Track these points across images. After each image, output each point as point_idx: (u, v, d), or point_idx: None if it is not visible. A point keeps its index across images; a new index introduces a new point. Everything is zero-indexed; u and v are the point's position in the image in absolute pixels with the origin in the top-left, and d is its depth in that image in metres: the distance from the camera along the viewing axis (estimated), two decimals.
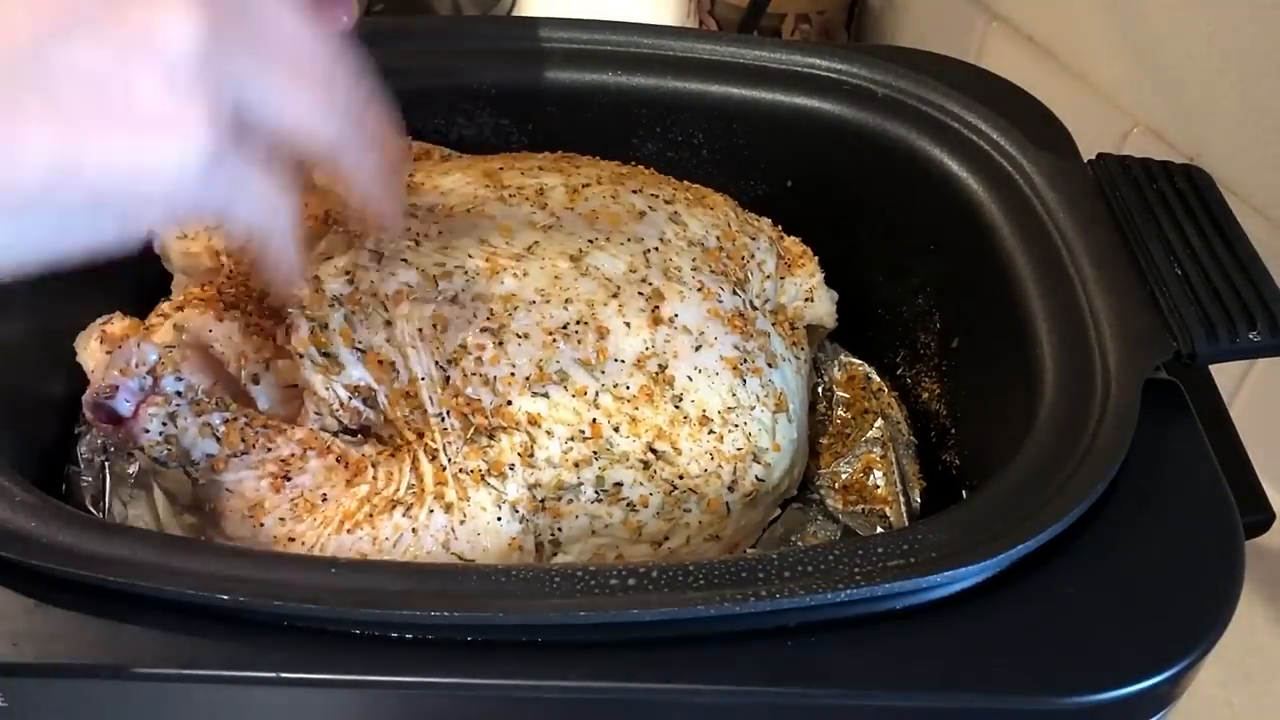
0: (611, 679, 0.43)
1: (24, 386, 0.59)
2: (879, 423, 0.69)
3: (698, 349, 0.57)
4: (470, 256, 0.58)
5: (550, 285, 0.57)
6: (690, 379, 0.57)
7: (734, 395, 0.57)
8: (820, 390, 0.72)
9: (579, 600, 0.43)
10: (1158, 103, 0.83)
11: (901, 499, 0.65)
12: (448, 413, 0.55)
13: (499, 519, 0.54)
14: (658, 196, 0.64)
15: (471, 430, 0.55)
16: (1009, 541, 0.46)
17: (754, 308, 0.63)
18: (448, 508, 0.53)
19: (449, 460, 0.54)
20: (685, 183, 0.69)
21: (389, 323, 0.56)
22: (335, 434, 0.56)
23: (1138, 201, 0.60)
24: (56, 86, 0.33)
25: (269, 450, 0.54)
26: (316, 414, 0.56)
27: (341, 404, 0.55)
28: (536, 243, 0.59)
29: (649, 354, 0.57)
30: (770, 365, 0.60)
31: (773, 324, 0.63)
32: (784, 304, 0.67)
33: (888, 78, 0.69)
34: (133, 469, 0.62)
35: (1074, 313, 0.56)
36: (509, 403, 0.54)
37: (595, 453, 0.55)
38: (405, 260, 0.57)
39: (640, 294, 0.58)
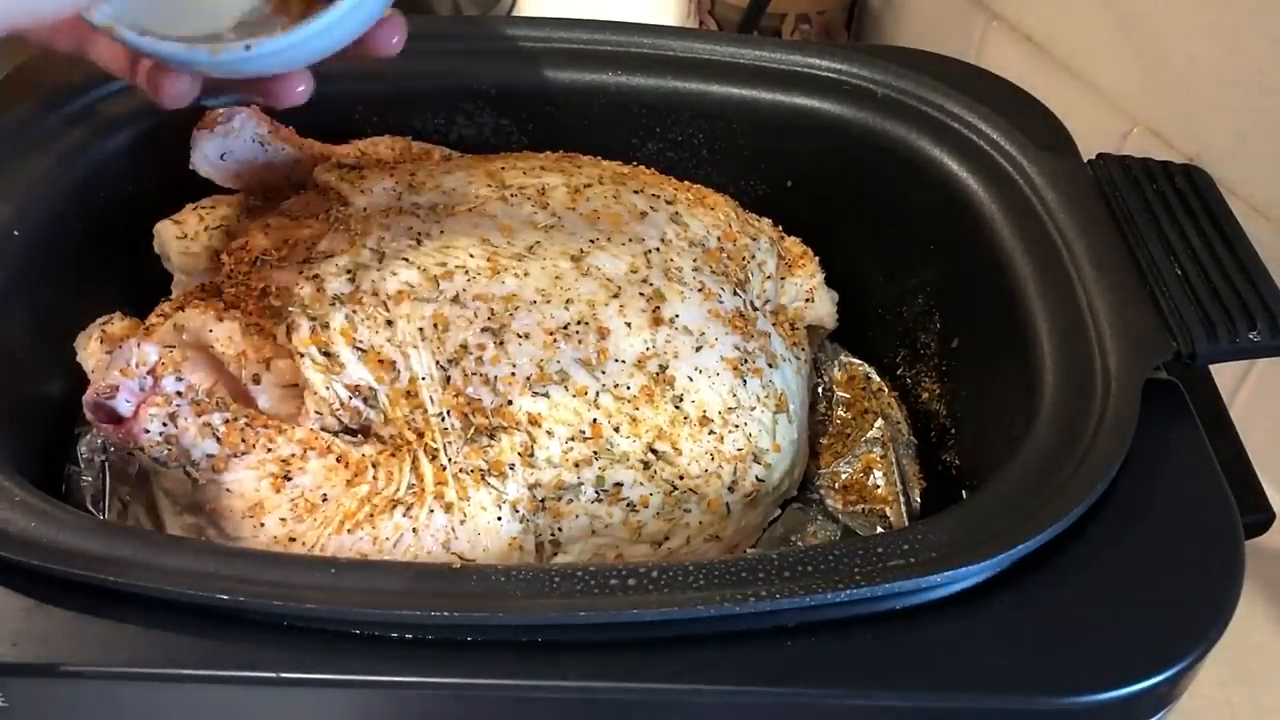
0: (611, 679, 0.43)
1: (24, 386, 0.59)
2: (879, 423, 0.69)
3: (698, 349, 0.57)
4: (471, 256, 0.58)
5: (551, 285, 0.57)
6: (691, 379, 0.57)
7: (734, 396, 0.57)
8: (820, 390, 0.72)
9: (579, 600, 0.43)
10: (1158, 103, 0.83)
11: (901, 499, 0.65)
12: (448, 412, 0.55)
13: (499, 519, 0.54)
14: (659, 197, 0.64)
15: (472, 430, 0.55)
16: (1009, 541, 0.46)
17: (754, 308, 0.63)
18: (448, 507, 0.53)
19: (449, 460, 0.54)
20: (686, 183, 0.69)
21: (390, 322, 0.56)
22: (335, 434, 0.56)
23: (1138, 201, 0.60)
24: None
25: (269, 450, 0.54)
26: (317, 414, 0.55)
27: (342, 403, 0.55)
28: (538, 243, 0.59)
29: (650, 354, 0.57)
30: (771, 366, 0.60)
31: (773, 324, 0.63)
32: (784, 304, 0.67)
33: (888, 78, 0.69)
34: (133, 469, 0.62)
35: (1074, 313, 0.56)
36: (509, 402, 0.54)
37: (595, 453, 0.55)
38: (406, 259, 0.57)
39: (641, 294, 0.58)
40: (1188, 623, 0.45)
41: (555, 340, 0.56)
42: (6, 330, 0.58)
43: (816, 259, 0.70)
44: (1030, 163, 0.63)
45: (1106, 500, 0.49)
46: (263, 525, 0.53)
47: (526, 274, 0.57)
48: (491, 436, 0.55)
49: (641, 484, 0.55)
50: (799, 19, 1.15)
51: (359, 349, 0.55)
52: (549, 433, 0.54)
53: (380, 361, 0.55)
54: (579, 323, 0.56)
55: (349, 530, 0.53)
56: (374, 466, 0.54)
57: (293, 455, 0.54)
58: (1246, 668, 0.76)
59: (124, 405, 0.52)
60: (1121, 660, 0.44)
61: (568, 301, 0.57)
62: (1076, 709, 0.43)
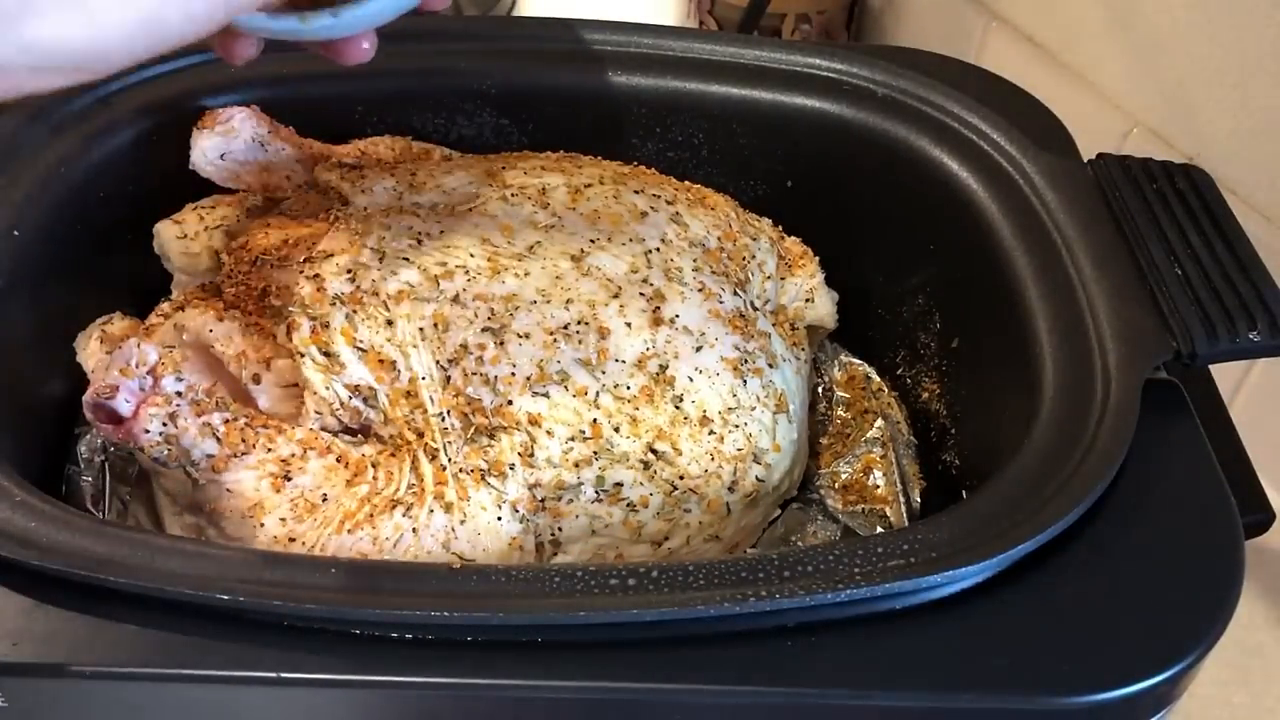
0: (611, 679, 0.43)
1: (24, 386, 0.59)
2: (879, 423, 0.69)
3: (699, 350, 0.58)
4: (472, 256, 0.58)
5: (551, 285, 0.57)
6: (691, 379, 0.57)
7: (735, 396, 0.57)
8: (820, 390, 0.72)
9: (579, 600, 0.43)
10: (1158, 103, 0.83)
11: (901, 499, 0.65)
12: (448, 412, 0.55)
13: (499, 519, 0.54)
14: (659, 197, 0.64)
15: (472, 430, 0.55)
16: (1009, 541, 0.46)
17: (755, 308, 0.63)
18: (448, 507, 0.53)
19: (449, 460, 0.54)
20: (686, 183, 0.69)
21: (390, 322, 0.56)
22: (335, 434, 0.56)
23: (1138, 201, 0.60)
24: None
25: (269, 450, 0.54)
26: (317, 414, 0.56)
27: (342, 403, 0.55)
28: (538, 242, 0.59)
29: (650, 354, 0.57)
30: (771, 366, 0.60)
31: (773, 324, 0.63)
32: (784, 304, 0.67)
33: (888, 78, 0.69)
34: (133, 469, 0.62)
35: (1074, 313, 0.56)
36: (509, 402, 0.54)
37: (595, 453, 0.55)
38: (407, 259, 0.57)
39: (641, 294, 0.58)
40: (1188, 623, 0.45)
41: (555, 340, 0.56)
42: (6, 330, 0.58)
43: (816, 259, 0.70)
44: (1030, 163, 0.63)
45: (1106, 500, 0.49)
46: (263, 525, 0.53)
47: (527, 274, 0.57)
48: (491, 436, 0.55)
49: (641, 484, 0.55)
50: (799, 19, 1.15)
51: (359, 349, 0.55)
52: (549, 433, 0.54)
53: (380, 361, 0.55)
54: (579, 323, 0.56)
55: (349, 530, 0.53)
56: (374, 466, 0.54)
57: (293, 455, 0.54)
58: (1246, 668, 0.76)
59: (124, 405, 0.52)
60: (1121, 660, 0.44)
61: (568, 301, 0.57)
62: (1076, 709, 0.43)
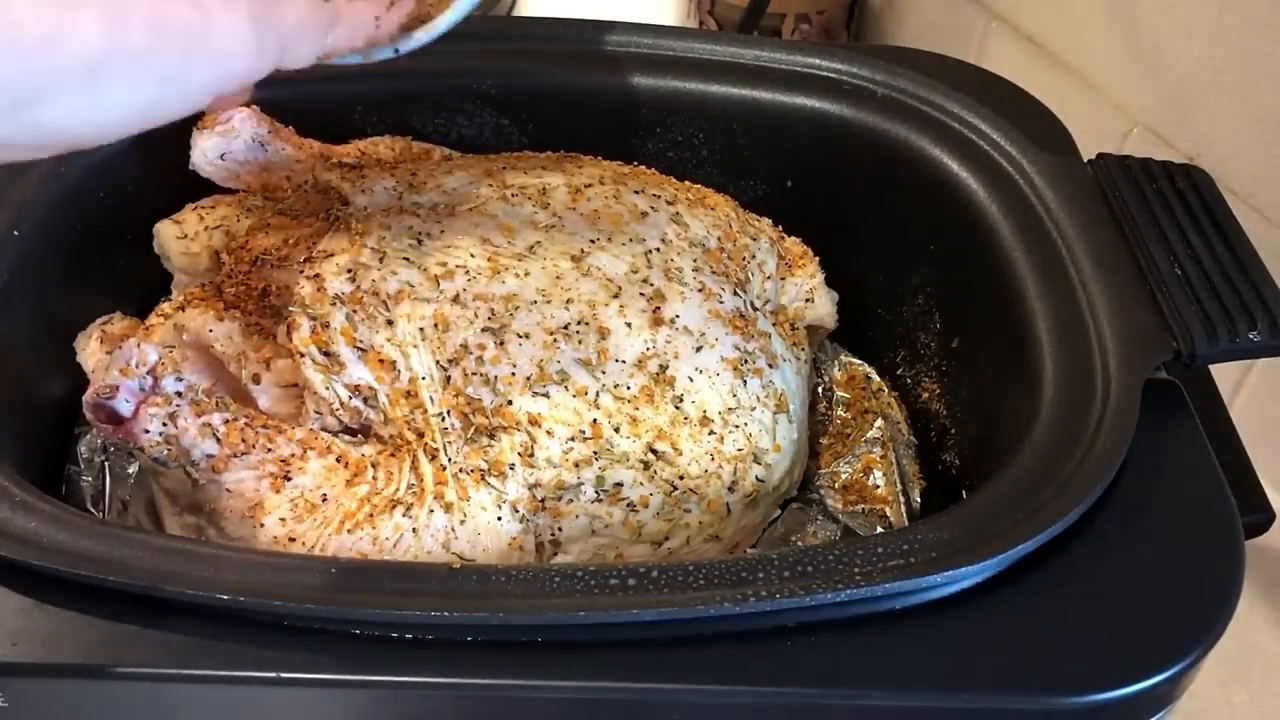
0: (611, 679, 0.43)
1: (24, 386, 0.59)
2: (879, 423, 0.69)
3: (699, 350, 0.58)
4: (472, 256, 0.58)
5: (552, 285, 0.57)
6: (691, 380, 0.57)
7: (735, 396, 0.57)
8: (820, 390, 0.72)
9: (579, 600, 0.43)
10: (1158, 103, 0.83)
11: (901, 499, 0.65)
12: (448, 412, 0.55)
13: (499, 519, 0.54)
14: (659, 197, 0.64)
15: (472, 430, 0.55)
16: (1009, 541, 0.46)
17: (755, 308, 0.63)
18: (448, 507, 0.53)
19: (449, 460, 0.54)
20: (686, 183, 0.69)
21: (390, 322, 0.56)
22: (335, 434, 0.56)
23: (1138, 201, 0.60)
24: None
25: (269, 450, 0.54)
26: (317, 413, 0.56)
27: (342, 403, 0.55)
28: (538, 242, 0.59)
29: (650, 354, 0.57)
30: (771, 366, 0.60)
31: (773, 324, 0.63)
32: (784, 304, 0.67)
33: (888, 78, 0.69)
34: (133, 469, 0.62)
35: (1074, 313, 0.56)
36: (509, 402, 0.54)
37: (595, 453, 0.55)
38: (407, 259, 0.57)
39: (641, 294, 0.58)
40: (1188, 623, 0.45)
41: (555, 340, 0.56)
42: (6, 330, 0.58)
43: (816, 259, 0.70)
44: (1030, 163, 0.63)
45: (1106, 500, 0.49)
46: (263, 525, 0.53)
47: (527, 274, 0.57)
48: (491, 436, 0.55)
49: (641, 484, 0.55)
50: (799, 19, 1.15)
51: (359, 348, 0.55)
52: (549, 433, 0.54)
53: (380, 361, 0.55)
54: (579, 323, 0.56)
55: (349, 530, 0.53)
56: (374, 466, 0.54)
57: (292, 455, 0.54)
58: (1246, 668, 0.76)
59: (124, 405, 0.52)
60: (1121, 660, 0.44)
61: (568, 301, 0.57)
62: (1076, 709, 0.43)
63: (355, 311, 0.56)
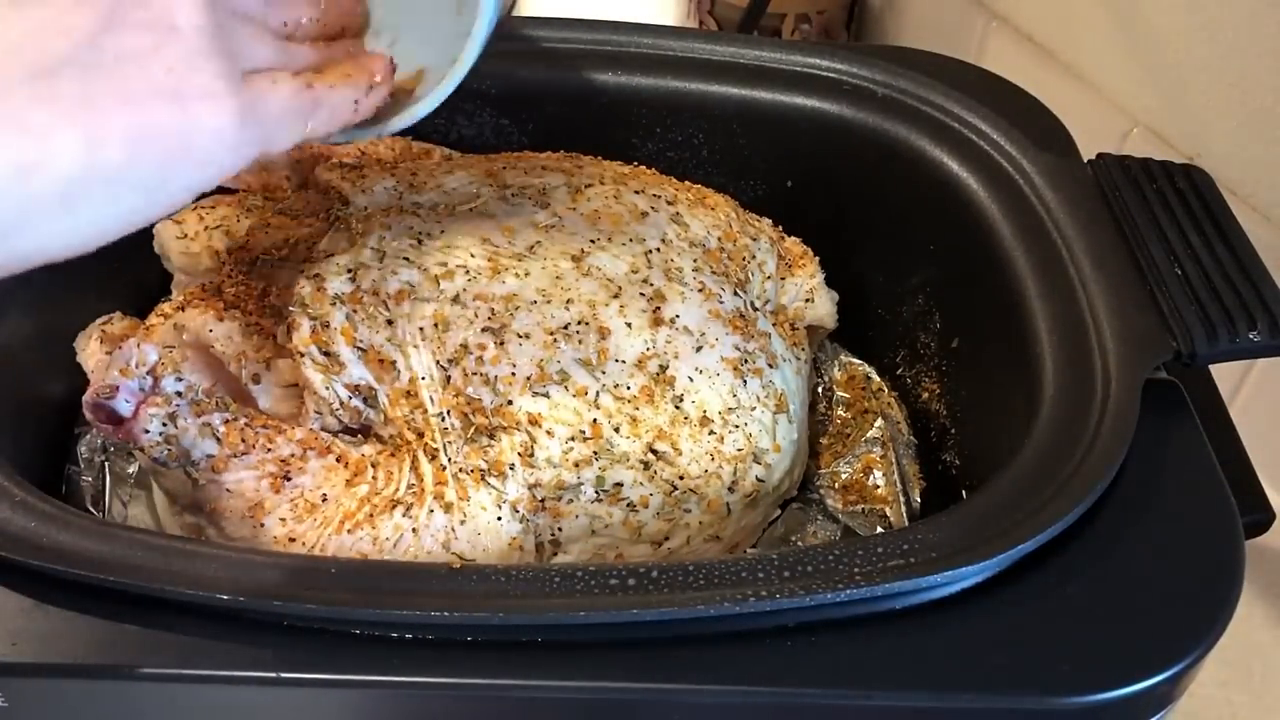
0: (611, 679, 0.43)
1: (24, 386, 0.59)
2: (879, 423, 0.69)
3: (699, 350, 0.57)
4: (472, 256, 0.58)
5: (552, 285, 0.57)
6: (691, 380, 0.57)
7: (735, 396, 0.57)
8: (820, 390, 0.72)
9: (579, 600, 0.43)
10: (1158, 103, 0.83)
11: (901, 499, 0.65)
12: (448, 412, 0.55)
13: (499, 519, 0.54)
14: (660, 197, 0.64)
15: (472, 430, 0.55)
16: (1009, 541, 0.46)
17: (755, 308, 0.63)
18: (448, 508, 0.53)
19: (449, 460, 0.54)
20: (686, 183, 0.69)
21: (390, 321, 0.56)
22: (335, 434, 0.56)
23: (1138, 201, 0.60)
24: (121, 72, 0.38)
25: (269, 450, 0.54)
26: (316, 413, 0.56)
27: (342, 403, 0.55)
28: (538, 242, 0.59)
29: (650, 354, 0.57)
30: (771, 366, 0.60)
31: (773, 324, 0.63)
32: (784, 304, 0.67)
33: (888, 78, 0.69)
34: (133, 469, 0.62)
35: (1074, 313, 0.56)
36: (509, 402, 0.54)
37: (595, 453, 0.55)
38: (407, 259, 0.57)
39: (642, 295, 0.58)
40: (1188, 623, 0.45)
41: (555, 340, 0.56)
42: (6, 330, 0.58)
43: (816, 259, 0.70)
44: (1030, 163, 0.63)
45: (1106, 500, 0.49)
46: (263, 525, 0.53)
47: (527, 274, 0.57)
48: (491, 436, 0.55)
49: (641, 484, 0.55)
50: (799, 19, 1.15)
51: (359, 348, 0.55)
52: (549, 433, 0.54)
53: (380, 361, 0.55)
54: (579, 323, 0.56)
55: (349, 530, 0.53)
56: (374, 466, 0.54)
57: (292, 455, 0.54)
58: (1246, 668, 0.76)
59: (124, 405, 0.52)
60: (1121, 660, 0.44)
61: (568, 301, 0.57)
62: (1076, 709, 0.43)
63: (355, 311, 0.56)
